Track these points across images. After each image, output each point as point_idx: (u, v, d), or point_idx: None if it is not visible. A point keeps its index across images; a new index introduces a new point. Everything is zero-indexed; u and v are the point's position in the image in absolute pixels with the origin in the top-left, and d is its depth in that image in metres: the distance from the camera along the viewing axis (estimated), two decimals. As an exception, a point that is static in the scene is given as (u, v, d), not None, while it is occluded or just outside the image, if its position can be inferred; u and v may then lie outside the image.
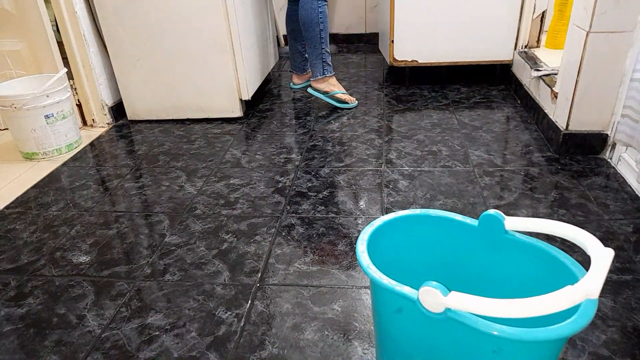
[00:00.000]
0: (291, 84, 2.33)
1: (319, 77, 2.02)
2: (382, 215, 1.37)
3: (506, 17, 2.18)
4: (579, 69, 1.51)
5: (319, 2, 1.89)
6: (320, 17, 1.89)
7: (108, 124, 2.14)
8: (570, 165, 1.59)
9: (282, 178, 1.60)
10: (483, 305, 0.58)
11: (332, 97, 2.08)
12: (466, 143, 1.77)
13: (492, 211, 0.76)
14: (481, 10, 2.16)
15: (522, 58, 2.11)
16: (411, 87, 2.36)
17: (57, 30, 1.97)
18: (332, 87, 2.06)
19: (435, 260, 0.86)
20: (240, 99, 2.07)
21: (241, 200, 1.49)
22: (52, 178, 1.70)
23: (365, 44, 3.15)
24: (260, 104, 2.25)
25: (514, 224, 0.76)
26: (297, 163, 1.70)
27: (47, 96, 1.78)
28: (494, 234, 0.77)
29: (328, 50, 1.99)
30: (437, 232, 0.83)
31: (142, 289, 1.15)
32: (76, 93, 2.08)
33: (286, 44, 3.16)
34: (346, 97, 2.08)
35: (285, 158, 1.73)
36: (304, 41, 2.01)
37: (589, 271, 0.59)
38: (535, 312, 0.56)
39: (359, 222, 1.36)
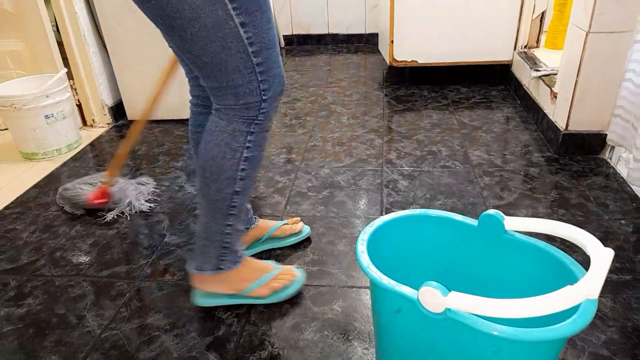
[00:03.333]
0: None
1: (208, 272, 1.02)
2: (382, 215, 1.37)
3: (506, 17, 2.18)
4: (579, 69, 1.51)
5: (252, 130, 0.89)
6: (244, 168, 0.91)
7: (108, 124, 2.14)
8: (569, 165, 1.59)
9: (282, 178, 1.60)
10: (483, 305, 0.58)
11: (247, 296, 1.07)
12: (466, 143, 1.77)
13: (491, 211, 0.76)
14: (481, 11, 2.16)
15: (522, 58, 2.11)
16: (411, 87, 2.36)
17: (57, 31, 1.97)
18: (239, 283, 1.06)
19: (435, 260, 0.86)
20: (240, 99, 2.06)
21: (241, 201, 1.48)
22: (52, 178, 1.70)
23: (365, 44, 3.15)
24: (260, 104, 2.24)
25: (514, 224, 0.76)
26: (297, 163, 1.69)
27: (47, 96, 1.78)
28: (493, 234, 0.77)
29: (240, 227, 0.99)
30: (437, 232, 0.83)
31: (141, 289, 1.15)
32: (76, 93, 2.08)
33: (284, 46, 3.15)
34: (276, 283, 1.08)
35: (285, 158, 1.73)
36: (199, 200, 0.97)
37: (589, 271, 0.59)
38: (535, 312, 0.56)
39: (359, 222, 1.36)
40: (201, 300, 1.07)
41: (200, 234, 0.99)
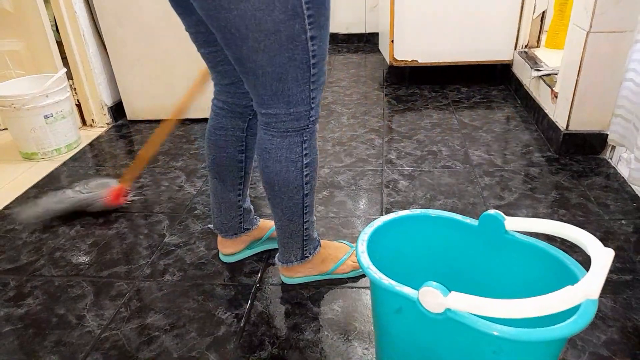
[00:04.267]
0: (220, 254, 1.24)
1: (295, 263, 1.11)
2: (382, 215, 1.37)
3: (506, 16, 2.18)
4: (579, 69, 1.50)
5: (305, 138, 0.93)
6: (307, 173, 0.97)
7: (107, 124, 2.14)
8: (570, 165, 1.58)
9: (282, 178, 1.60)
10: (483, 305, 0.58)
11: (334, 273, 1.16)
12: (466, 143, 1.77)
13: (492, 211, 0.76)
14: (481, 10, 2.16)
15: (522, 58, 2.11)
16: (411, 87, 2.36)
17: (57, 30, 1.97)
18: (322, 265, 1.14)
19: (435, 260, 0.85)
20: (240, 99, 2.06)
21: (241, 201, 1.48)
22: (51, 178, 1.70)
23: (365, 43, 3.15)
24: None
25: (514, 224, 0.76)
26: (296, 163, 1.69)
27: (47, 96, 1.78)
28: (494, 234, 0.77)
29: (313, 218, 1.08)
30: (437, 233, 0.83)
31: (141, 289, 1.15)
32: (75, 93, 2.08)
33: None
34: (351, 264, 1.16)
35: (285, 158, 1.73)
36: (273, 209, 1.04)
37: (589, 271, 0.59)
38: (535, 313, 0.55)
39: (359, 222, 1.36)
40: (290, 280, 1.14)
41: (280, 234, 1.07)
